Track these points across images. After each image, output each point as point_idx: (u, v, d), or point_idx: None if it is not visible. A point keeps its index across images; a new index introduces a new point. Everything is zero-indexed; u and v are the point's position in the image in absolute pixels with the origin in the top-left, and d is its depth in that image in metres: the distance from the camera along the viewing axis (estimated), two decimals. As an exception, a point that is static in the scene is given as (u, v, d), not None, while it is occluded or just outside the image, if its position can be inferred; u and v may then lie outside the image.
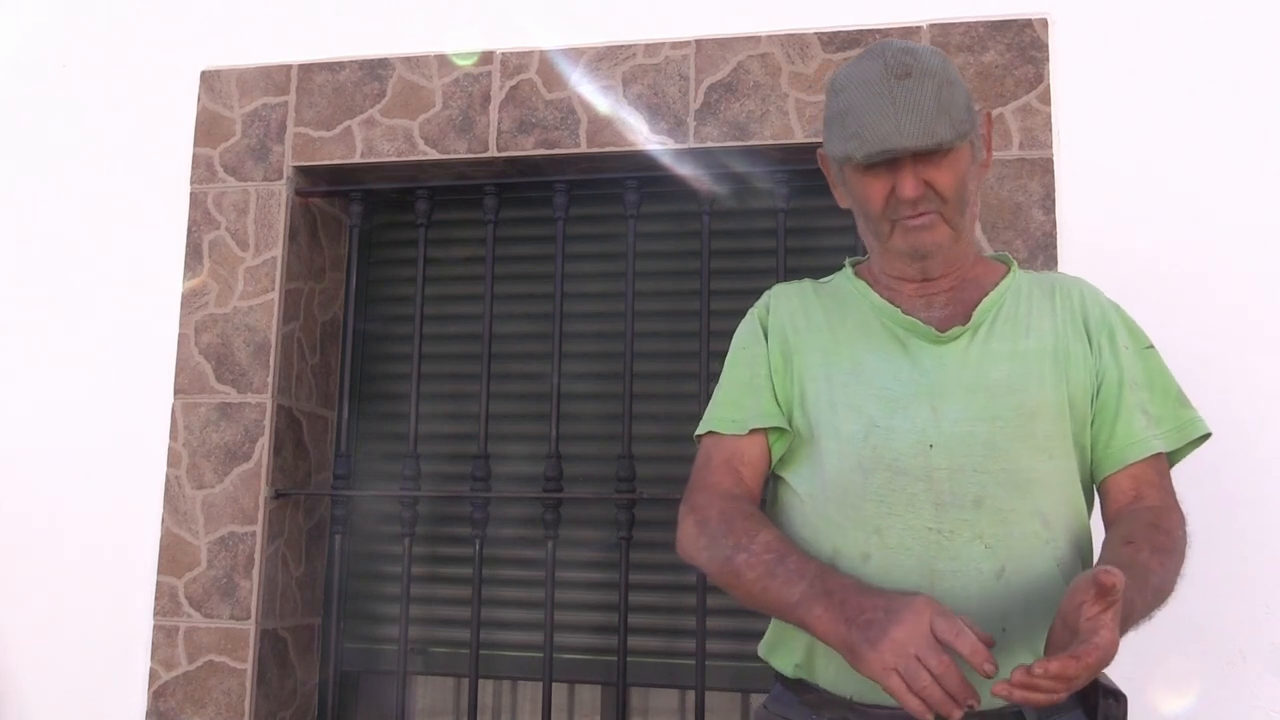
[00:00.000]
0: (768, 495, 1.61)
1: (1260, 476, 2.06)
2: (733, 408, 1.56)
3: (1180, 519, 1.45)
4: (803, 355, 1.53)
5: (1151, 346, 1.53)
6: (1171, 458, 1.53)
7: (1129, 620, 1.27)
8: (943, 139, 1.38)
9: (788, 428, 1.53)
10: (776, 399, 1.54)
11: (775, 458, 1.55)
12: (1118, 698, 1.43)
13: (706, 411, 1.60)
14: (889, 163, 1.43)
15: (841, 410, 1.47)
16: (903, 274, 1.53)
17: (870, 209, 1.47)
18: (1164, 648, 2.03)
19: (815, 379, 1.51)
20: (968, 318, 1.50)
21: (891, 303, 1.52)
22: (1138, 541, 1.37)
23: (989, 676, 1.20)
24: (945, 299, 1.52)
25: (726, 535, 1.43)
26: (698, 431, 1.60)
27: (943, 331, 1.48)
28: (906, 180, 1.42)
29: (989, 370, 1.45)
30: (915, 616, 1.23)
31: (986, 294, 1.52)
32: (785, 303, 1.60)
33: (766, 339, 1.57)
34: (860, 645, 1.25)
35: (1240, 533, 2.05)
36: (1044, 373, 1.46)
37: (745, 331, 1.61)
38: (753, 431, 1.53)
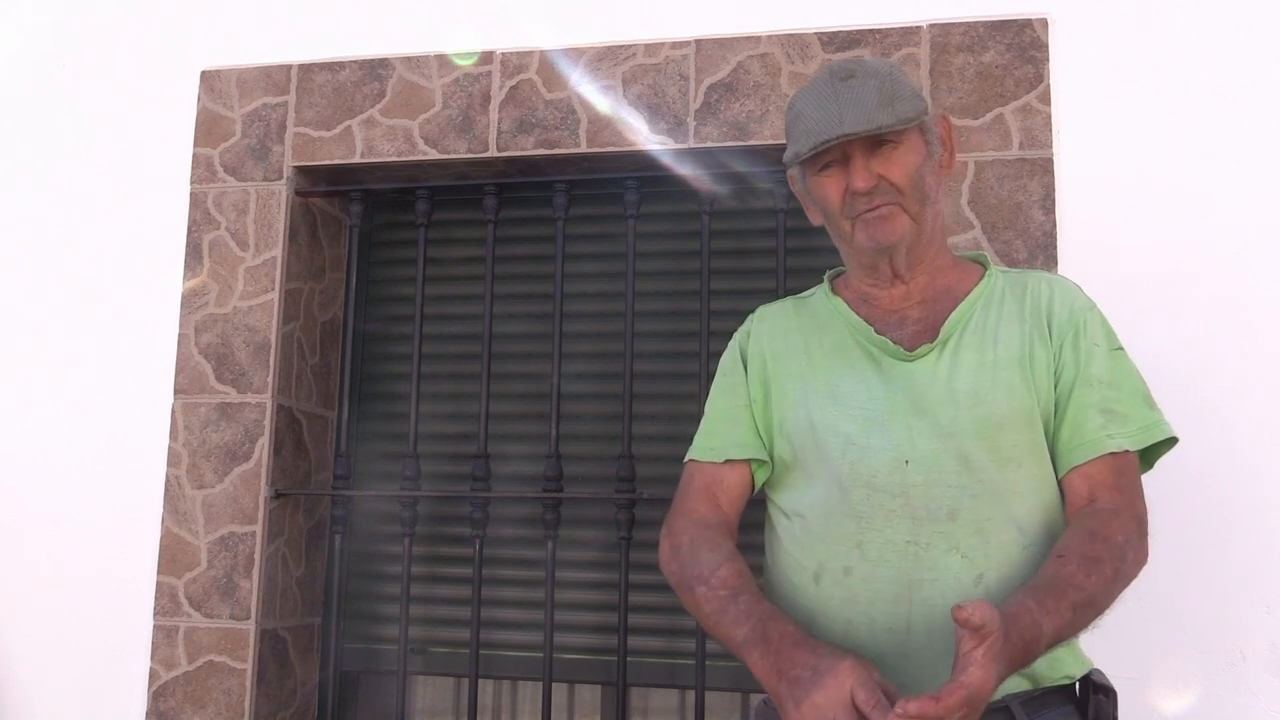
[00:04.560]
0: (763, 517, 1.65)
1: (1260, 476, 2.06)
2: (712, 436, 1.62)
3: (1129, 523, 1.42)
4: (781, 383, 1.58)
5: (1121, 348, 1.53)
6: (1142, 462, 1.51)
7: (1036, 644, 1.27)
8: (883, 123, 1.43)
9: (766, 459, 1.58)
10: (757, 430, 1.59)
11: (758, 485, 1.61)
12: (1108, 693, 1.45)
13: (695, 436, 1.65)
14: (842, 161, 1.49)
15: (821, 432, 1.51)
16: (874, 275, 1.56)
17: (829, 208, 1.53)
18: (1164, 648, 2.03)
19: (794, 405, 1.55)
20: (938, 333, 1.52)
21: (866, 320, 1.56)
22: (1068, 554, 1.37)
23: None
24: (919, 311, 1.55)
25: (692, 564, 1.49)
26: (685, 458, 1.64)
27: (912, 349, 1.51)
28: (858, 174, 1.47)
29: (956, 384, 1.48)
30: (837, 682, 1.25)
31: (958, 305, 1.54)
32: (766, 326, 1.65)
33: (746, 368, 1.62)
34: (786, 701, 1.28)
35: (1240, 533, 2.05)
36: (1012, 381, 1.47)
37: (727, 359, 1.67)
38: (730, 461, 1.58)
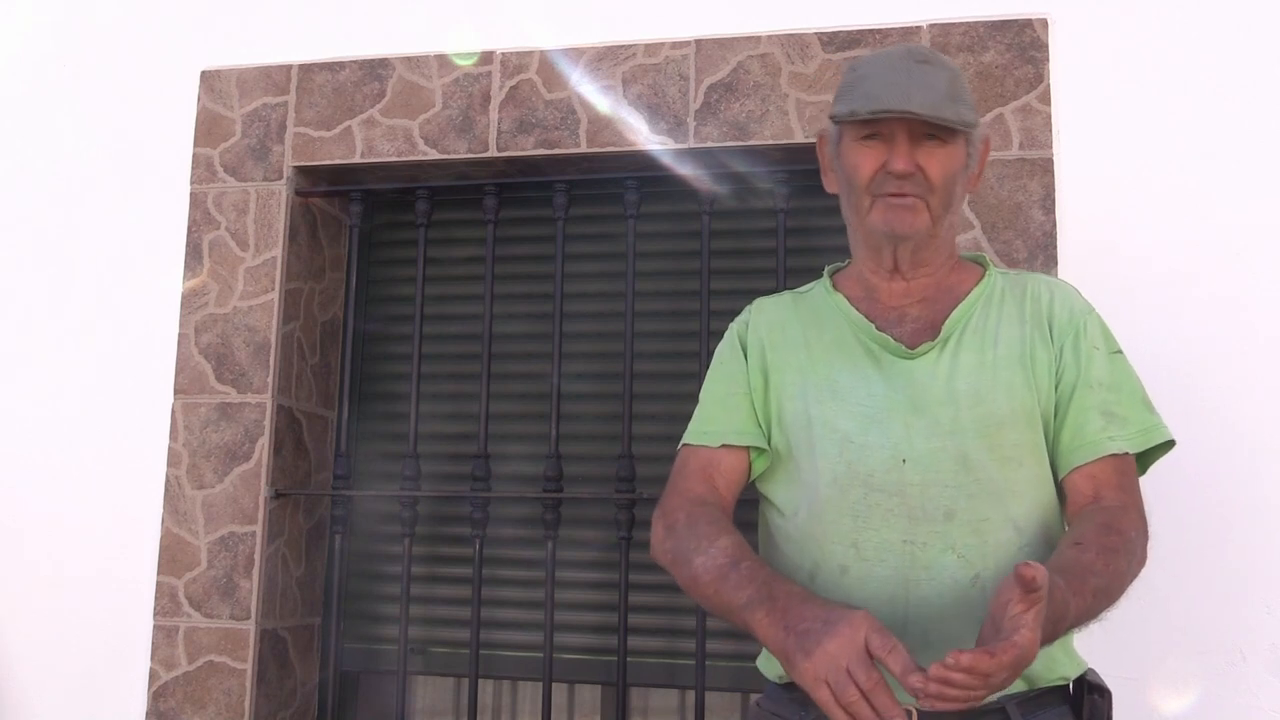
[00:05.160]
0: (757, 515, 1.63)
1: (1259, 476, 2.06)
2: (708, 421, 1.59)
3: (1137, 520, 1.44)
4: (780, 374, 1.56)
5: (1120, 351, 1.53)
6: (1139, 465, 1.51)
7: (1062, 622, 1.27)
8: (948, 117, 1.42)
9: (765, 446, 1.56)
10: (756, 417, 1.57)
11: (755, 473, 1.58)
12: (1103, 693, 1.45)
13: (689, 423, 1.63)
14: (886, 138, 1.46)
15: (818, 428, 1.49)
16: (875, 259, 1.54)
17: (857, 179, 1.49)
18: (1164, 648, 2.03)
19: (793, 397, 1.53)
20: (938, 331, 1.51)
21: (867, 317, 1.54)
22: (1085, 542, 1.37)
23: (917, 696, 1.18)
24: (919, 309, 1.54)
25: (689, 539, 1.46)
26: (679, 444, 1.62)
27: (913, 347, 1.50)
28: (900, 155, 1.45)
29: (957, 383, 1.47)
30: (851, 630, 1.23)
31: (959, 303, 1.53)
32: (764, 318, 1.62)
33: (746, 356, 1.60)
34: (795, 653, 1.26)
35: (1240, 533, 2.05)
36: (1013, 381, 1.47)
37: (725, 346, 1.64)
38: (727, 446, 1.56)
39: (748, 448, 1.56)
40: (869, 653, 1.22)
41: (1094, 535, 1.38)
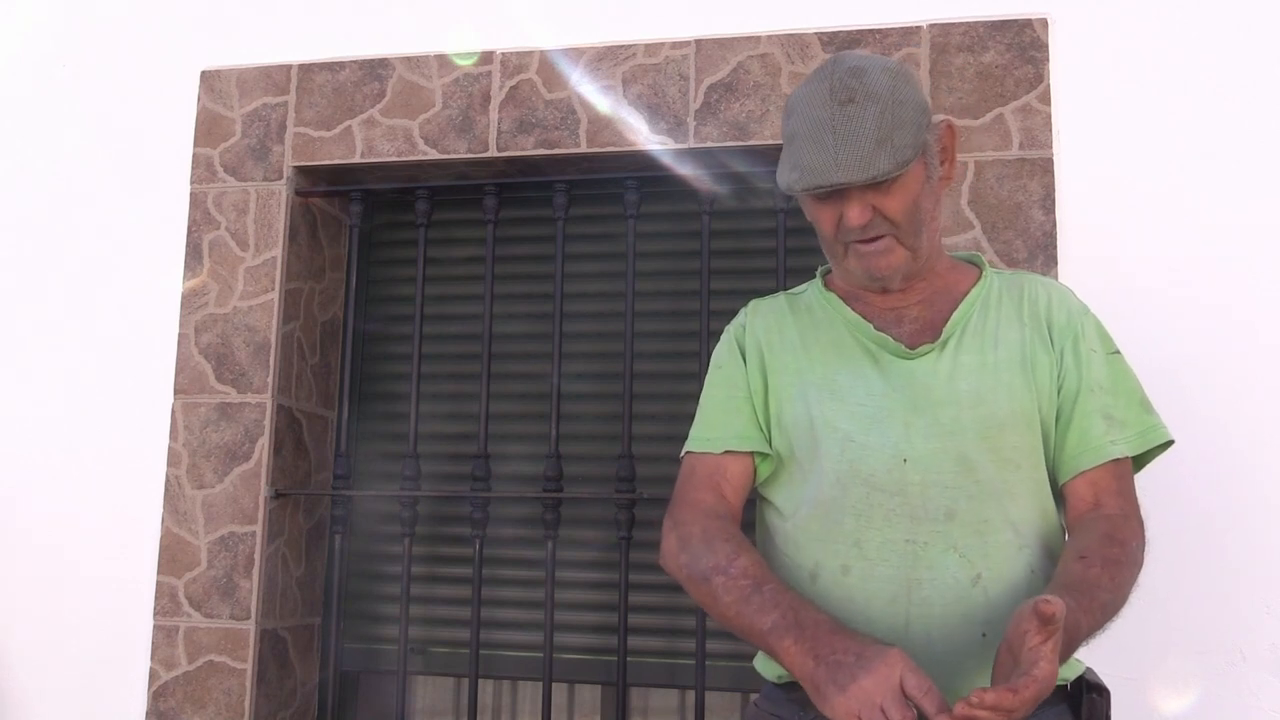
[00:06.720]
0: (755, 517, 1.63)
1: (1260, 476, 2.06)
2: (710, 427, 1.58)
3: (1137, 528, 1.44)
4: (779, 376, 1.55)
5: (1118, 352, 1.53)
6: (1135, 464, 1.52)
7: (1075, 642, 1.28)
8: (880, 172, 1.38)
9: (768, 450, 1.55)
10: (758, 421, 1.56)
11: (761, 478, 1.57)
12: (1101, 692, 1.45)
13: (691, 430, 1.62)
14: (836, 191, 1.43)
15: (819, 428, 1.49)
16: (864, 287, 1.54)
17: (823, 233, 1.50)
18: (1164, 648, 2.03)
19: (792, 399, 1.53)
20: (938, 332, 1.51)
21: (864, 317, 1.54)
22: (1090, 556, 1.37)
23: None
24: (917, 310, 1.54)
25: (706, 555, 1.45)
26: (681, 452, 1.61)
27: (913, 347, 1.50)
28: (852, 209, 1.43)
29: (958, 384, 1.47)
30: (887, 668, 1.23)
31: (957, 304, 1.53)
32: (761, 320, 1.61)
33: (744, 359, 1.59)
34: (826, 686, 1.26)
35: (1240, 533, 2.05)
36: (1013, 383, 1.47)
37: (723, 350, 1.63)
38: (730, 452, 1.55)
39: (752, 453, 1.56)
40: (904, 692, 1.22)
41: (1097, 547, 1.38)
